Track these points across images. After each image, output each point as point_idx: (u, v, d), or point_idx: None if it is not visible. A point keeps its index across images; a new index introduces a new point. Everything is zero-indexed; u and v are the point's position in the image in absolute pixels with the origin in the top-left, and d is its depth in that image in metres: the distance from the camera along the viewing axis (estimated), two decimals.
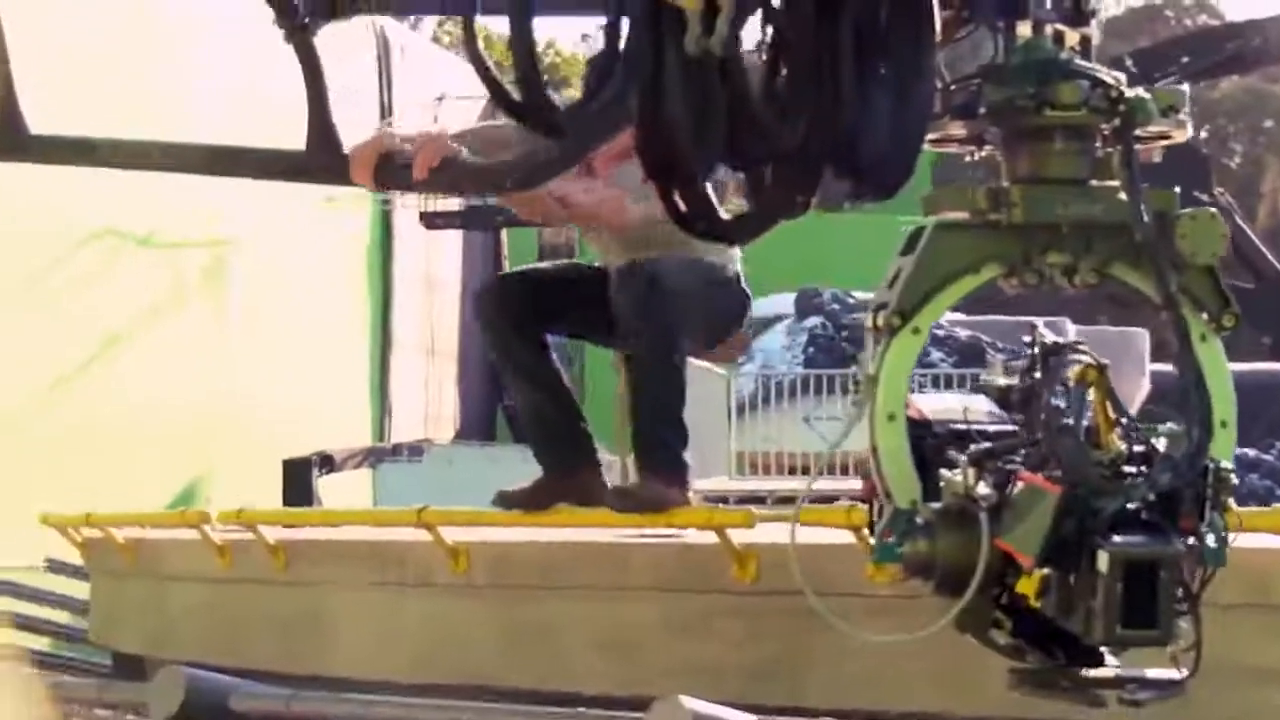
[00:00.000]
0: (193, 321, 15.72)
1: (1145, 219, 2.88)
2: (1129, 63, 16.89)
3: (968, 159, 3.10)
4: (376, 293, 20.18)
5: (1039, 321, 3.03)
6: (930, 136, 2.99)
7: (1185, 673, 2.87)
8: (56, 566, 9.00)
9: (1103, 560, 2.75)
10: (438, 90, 21.09)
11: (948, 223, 2.92)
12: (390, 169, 3.92)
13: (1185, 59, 19.14)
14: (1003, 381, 3.04)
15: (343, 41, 19.05)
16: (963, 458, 2.86)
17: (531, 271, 5.57)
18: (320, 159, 3.77)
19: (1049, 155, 2.92)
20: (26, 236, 12.85)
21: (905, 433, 2.91)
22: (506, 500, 5.03)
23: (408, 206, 20.03)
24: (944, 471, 2.87)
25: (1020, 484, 2.80)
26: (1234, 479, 2.87)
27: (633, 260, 5.04)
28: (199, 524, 5.92)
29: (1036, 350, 2.97)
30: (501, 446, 17.60)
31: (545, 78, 3.14)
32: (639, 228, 5.03)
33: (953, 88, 3.00)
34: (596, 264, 5.31)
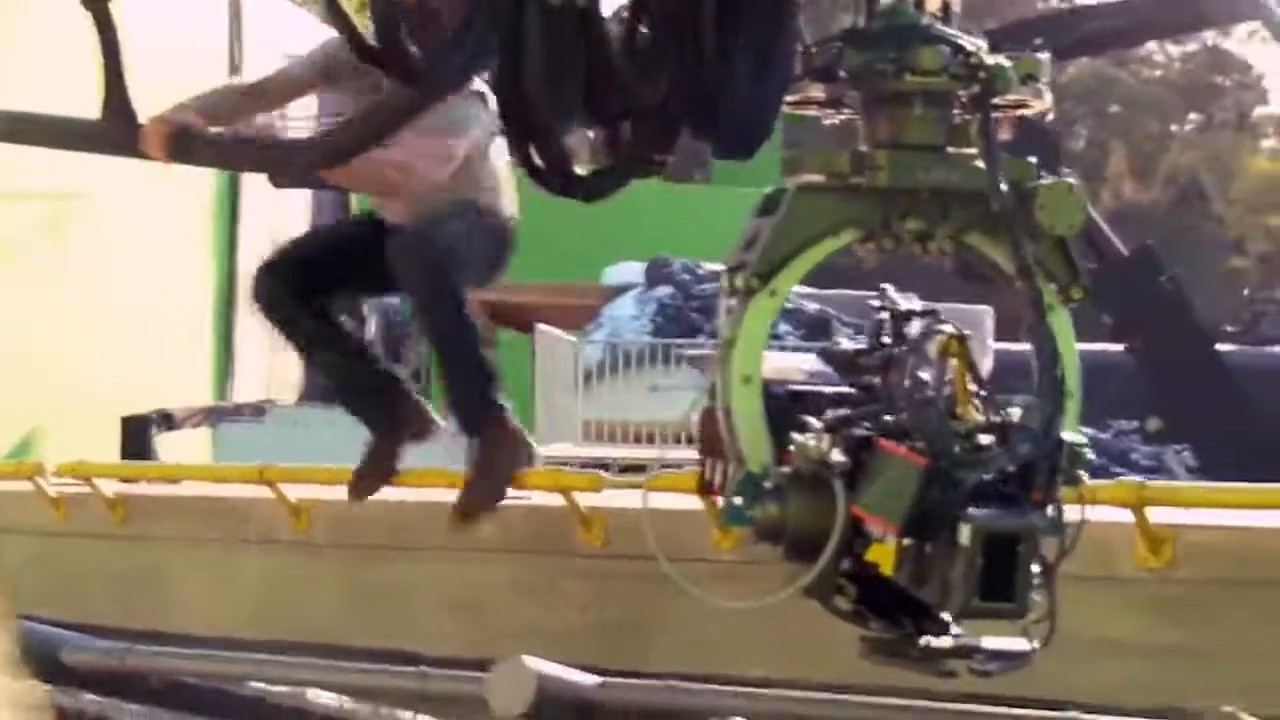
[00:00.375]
0: (32, 275, 15.44)
1: (1003, 187, 2.89)
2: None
3: (824, 123, 3.10)
4: (222, 251, 19.93)
5: (889, 286, 3.03)
6: (789, 98, 2.98)
7: (1036, 644, 2.89)
8: None
9: (964, 533, 2.76)
10: (290, 47, 20.89)
11: (809, 185, 2.91)
12: (185, 143, 3.86)
13: (1036, 40, 19.32)
14: (848, 346, 3.04)
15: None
16: (816, 423, 2.86)
17: (300, 244, 5.46)
18: (114, 130, 3.68)
19: (909, 120, 2.92)
20: None
21: (760, 396, 2.90)
22: (359, 488, 4.90)
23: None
24: (795, 436, 2.86)
25: (879, 451, 2.80)
26: (1087, 452, 2.89)
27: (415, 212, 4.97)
28: (33, 475, 5.81)
29: (888, 315, 2.97)
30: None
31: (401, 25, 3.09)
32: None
33: (813, 50, 2.99)
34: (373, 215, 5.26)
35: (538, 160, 2.87)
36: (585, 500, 4.52)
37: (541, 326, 13.50)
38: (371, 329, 19.48)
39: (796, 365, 3.16)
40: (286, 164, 3.61)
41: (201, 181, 19.50)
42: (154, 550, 5.39)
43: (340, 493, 5.02)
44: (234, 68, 19.77)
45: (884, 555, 2.81)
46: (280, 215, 22.27)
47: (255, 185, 20.26)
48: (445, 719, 3.25)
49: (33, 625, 3.22)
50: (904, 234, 2.95)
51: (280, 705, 3.14)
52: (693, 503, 4.38)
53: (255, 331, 20.89)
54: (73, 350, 15.46)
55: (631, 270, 17.22)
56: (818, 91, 2.99)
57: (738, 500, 2.88)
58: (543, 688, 2.89)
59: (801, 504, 2.83)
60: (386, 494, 4.96)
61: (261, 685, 3.18)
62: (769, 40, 2.85)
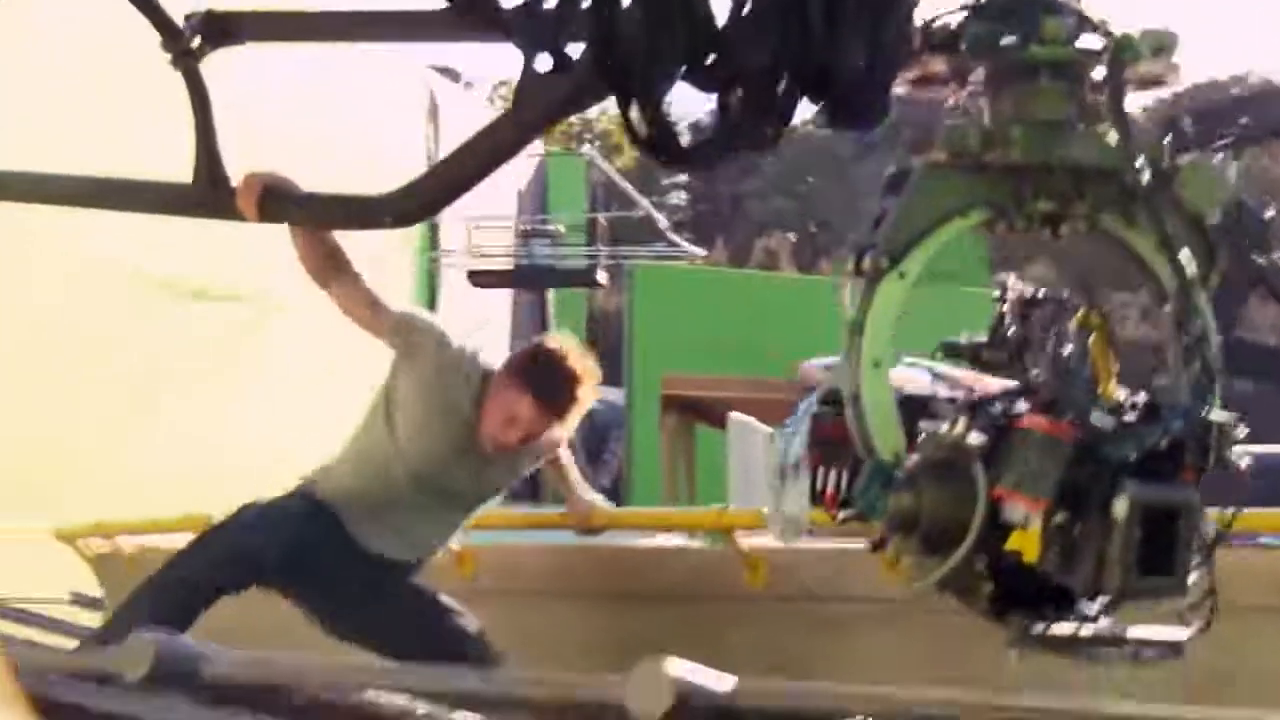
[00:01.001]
0: (234, 376, 15.74)
1: (1139, 163, 2.82)
2: (1186, 122, 16.74)
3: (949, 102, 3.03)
4: None
5: (1009, 275, 2.96)
6: (909, 75, 2.93)
7: (1192, 629, 2.78)
8: (83, 600, 8.93)
9: (1120, 507, 2.66)
10: None
11: (936, 163, 2.85)
12: (275, 202, 3.83)
13: (1243, 120, 19.02)
14: (968, 340, 2.97)
15: (393, 101, 19.11)
16: (951, 406, 2.79)
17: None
18: (207, 192, 3.69)
19: (1037, 94, 2.86)
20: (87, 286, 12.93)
21: (889, 382, 2.84)
22: None
23: (454, 265, 20.05)
24: (925, 424, 2.79)
25: (1019, 431, 2.72)
26: (1238, 430, 2.80)
27: None
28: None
29: (1012, 302, 2.91)
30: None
31: None
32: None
33: (933, 22, 2.94)
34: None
35: (641, 128, 2.83)
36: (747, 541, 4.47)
37: (734, 415, 13.46)
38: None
39: (911, 377, 3.09)
40: (379, 216, 3.55)
41: (400, 283, 19.82)
42: None
43: (501, 538, 5.03)
44: (430, 162, 20.13)
45: (1026, 542, 2.71)
46: (479, 316, 22.55)
47: (454, 285, 20.53)
48: None
49: (170, 638, 3.20)
50: (1036, 214, 2.88)
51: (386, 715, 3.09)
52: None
53: None
54: (269, 449, 15.70)
55: (827, 365, 17.20)
56: (938, 64, 2.94)
57: (871, 492, 2.81)
58: (680, 691, 2.81)
59: (936, 492, 2.74)
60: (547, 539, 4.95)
61: (404, 701, 3.14)
62: (882, 7, 2.79)
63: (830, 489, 2.95)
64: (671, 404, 16.09)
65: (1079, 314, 2.84)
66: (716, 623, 4.56)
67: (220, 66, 3.74)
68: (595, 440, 19.93)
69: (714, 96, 2.83)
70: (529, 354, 4.92)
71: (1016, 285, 2.96)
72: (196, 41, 3.62)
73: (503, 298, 22.30)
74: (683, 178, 44.69)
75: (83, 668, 3.63)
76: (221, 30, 3.62)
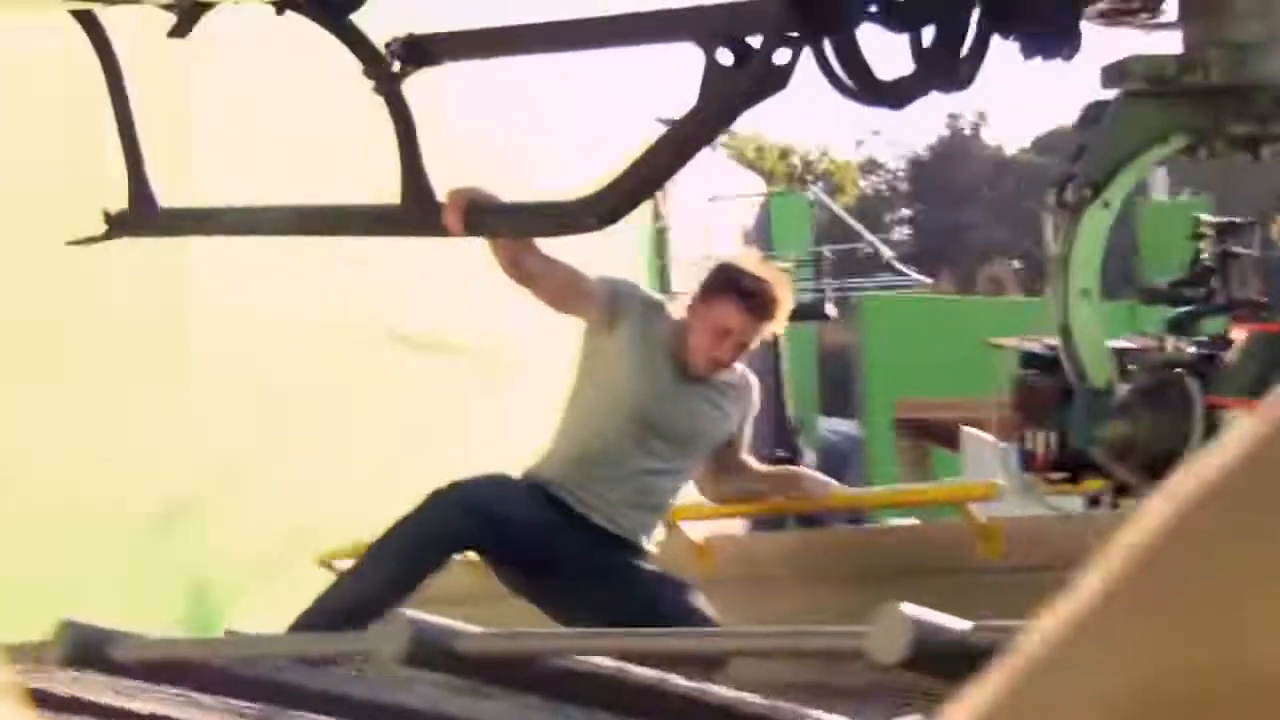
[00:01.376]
0: (471, 422, 15.96)
1: None
2: None
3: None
4: None
5: (1203, 214, 2.94)
6: (1101, 6, 2.92)
7: None
8: None
9: None
10: (712, 192, 21.31)
11: (1134, 92, 2.83)
12: (481, 216, 3.88)
13: None
14: (1164, 283, 2.95)
15: (615, 147, 19.37)
16: (1165, 320, 2.78)
17: None
18: (414, 211, 3.75)
19: (1234, 14, 2.82)
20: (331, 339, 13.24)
21: (1099, 311, 2.83)
22: None
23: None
24: (1133, 344, 2.77)
25: (1232, 340, 2.70)
26: None
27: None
28: None
29: (1208, 235, 2.90)
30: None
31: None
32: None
33: None
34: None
35: (837, 67, 2.85)
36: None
37: (967, 429, 13.39)
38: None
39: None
40: (581, 219, 3.59)
41: None
42: None
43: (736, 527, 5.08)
44: (657, 213, 20.32)
45: None
46: None
47: None
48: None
49: (423, 619, 3.28)
50: (1236, 137, 2.85)
51: (639, 685, 3.13)
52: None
53: None
54: None
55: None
56: None
57: (1084, 423, 2.78)
58: (920, 634, 2.85)
59: (1152, 416, 2.72)
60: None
61: (655, 672, 3.19)
62: None
63: (1041, 450, 2.94)
64: (906, 429, 16.04)
65: (1279, 222, 2.81)
66: (958, 596, 4.54)
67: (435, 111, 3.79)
68: (833, 472, 19.87)
69: (905, 37, 2.85)
70: (716, 271, 5.06)
71: (1209, 218, 2.95)
72: (397, 65, 3.68)
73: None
74: (906, 212, 44.46)
75: (339, 651, 3.74)
76: (422, 52, 3.68)
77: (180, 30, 4.17)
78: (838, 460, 20.37)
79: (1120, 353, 2.81)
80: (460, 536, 4.78)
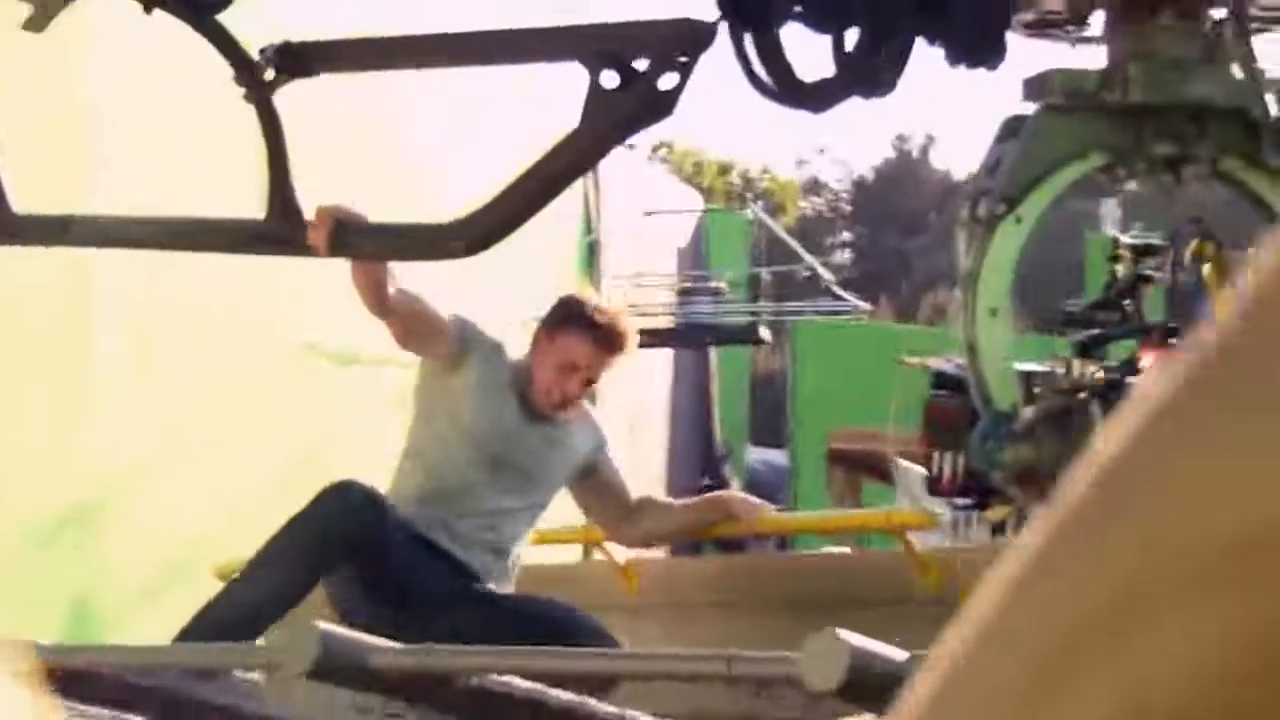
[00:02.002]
0: (381, 438, 15.91)
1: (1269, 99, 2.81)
2: None
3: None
4: None
5: (1121, 236, 3.00)
6: (1027, 16, 2.95)
7: None
8: None
9: None
10: (646, 204, 21.35)
11: (1054, 106, 2.85)
12: (348, 235, 3.86)
13: None
14: (1078, 305, 2.99)
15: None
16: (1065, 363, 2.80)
17: None
18: (281, 227, 3.72)
19: (1159, 32, 2.85)
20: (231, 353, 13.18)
21: (1008, 329, 2.84)
22: None
23: None
24: (1039, 368, 2.79)
25: (1141, 365, 2.73)
26: None
27: None
28: None
29: (1125, 257, 2.94)
30: None
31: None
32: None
33: None
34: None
35: (759, 68, 2.86)
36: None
37: (901, 461, 13.46)
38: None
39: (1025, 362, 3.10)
40: (448, 244, 3.58)
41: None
42: None
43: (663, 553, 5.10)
44: (589, 226, 20.33)
45: None
46: (639, 376, 22.63)
47: None
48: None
49: (333, 630, 3.28)
50: (1156, 157, 2.88)
51: (558, 708, 3.14)
52: None
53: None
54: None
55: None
56: (1057, 4, 2.95)
57: (988, 443, 2.80)
58: (855, 661, 2.88)
59: (1056, 440, 2.74)
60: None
61: (536, 686, 3.20)
62: None
63: (948, 473, 2.97)
64: (838, 460, 16.10)
65: (1192, 246, 2.85)
66: (892, 628, 4.57)
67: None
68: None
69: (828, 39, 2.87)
70: (559, 306, 5.17)
71: (1126, 239, 3.00)
72: (270, 74, 3.65)
73: (663, 357, 22.34)
74: (847, 235, 44.66)
75: (243, 662, 3.72)
76: (296, 61, 3.65)
77: (35, 24, 4.12)
78: (766, 491, 20.37)
79: (1028, 375, 2.84)
80: (351, 535, 4.79)
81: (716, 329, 20.53)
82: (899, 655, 3.01)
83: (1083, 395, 2.75)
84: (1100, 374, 2.75)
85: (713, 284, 21.30)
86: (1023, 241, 2.90)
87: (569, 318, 5.06)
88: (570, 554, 5.79)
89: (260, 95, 3.71)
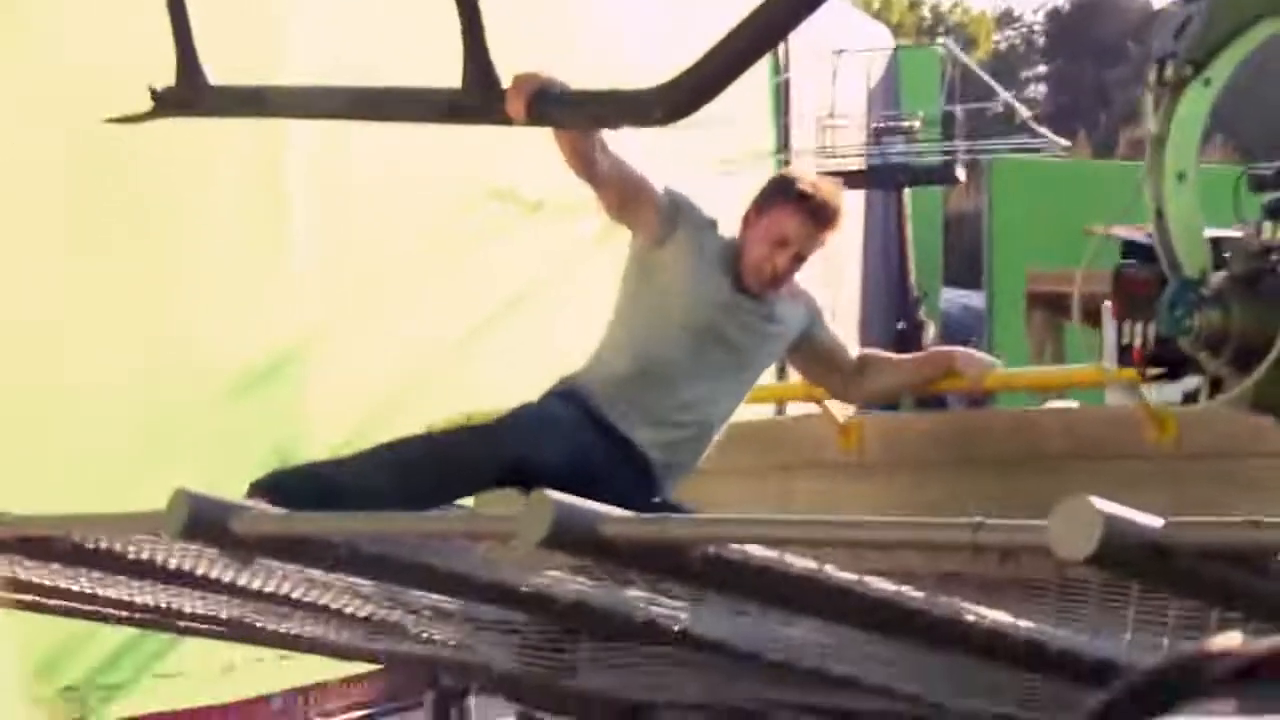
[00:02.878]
0: (582, 286, 15.95)
1: None
2: None
3: None
4: None
5: None
6: None
7: None
8: None
9: None
10: (837, 44, 21.08)
11: None
12: (546, 105, 3.76)
13: None
14: (1263, 171, 2.88)
15: None
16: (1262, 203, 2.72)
17: None
18: (477, 97, 3.64)
19: None
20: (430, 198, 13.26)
21: (1197, 195, 2.76)
22: None
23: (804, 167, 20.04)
24: (1230, 234, 2.70)
25: None
26: None
27: None
28: None
29: None
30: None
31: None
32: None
33: None
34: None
35: None
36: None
37: (1108, 305, 13.27)
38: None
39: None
40: (649, 111, 3.48)
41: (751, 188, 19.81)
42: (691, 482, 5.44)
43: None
44: (778, 67, 20.12)
45: None
46: None
47: None
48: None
49: (565, 500, 3.25)
50: None
51: (793, 574, 3.09)
52: None
53: None
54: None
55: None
56: None
57: (1176, 310, 2.72)
58: (1109, 529, 2.79)
59: (1246, 306, 2.67)
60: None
61: (775, 553, 3.15)
62: None
63: (1138, 343, 2.89)
64: (1037, 302, 15.89)
65: None
66: (1126, 483, 4.48)
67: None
68: (954, 345, 19.83)
69: None
70: (771, 183, 5.09)
71: None
72: None
73: (855, 199, 22.13)
74: (1043, 69, 43.89)
75: (471, 530, 3.72)
76: None
77: None
78: (962, 333, 20.27)
79: (1217, 241, 2.74)
80: (491, 482, 4.71)
81: (910, 169, 20.29)
82: (1153, 521, 2.91)
83: (1274, 258, 2.65)
84: None
85: (905, 123, 21.03)
86: (1210, 104, 2.82)
87: (780, 192, 4.99)
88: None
89: None
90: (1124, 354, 2.98)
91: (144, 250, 10.38)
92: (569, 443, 4.75)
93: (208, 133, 9.95)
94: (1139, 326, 2.88)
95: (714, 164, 17.58)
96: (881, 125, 20.80)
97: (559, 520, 3.10)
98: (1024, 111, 22.40)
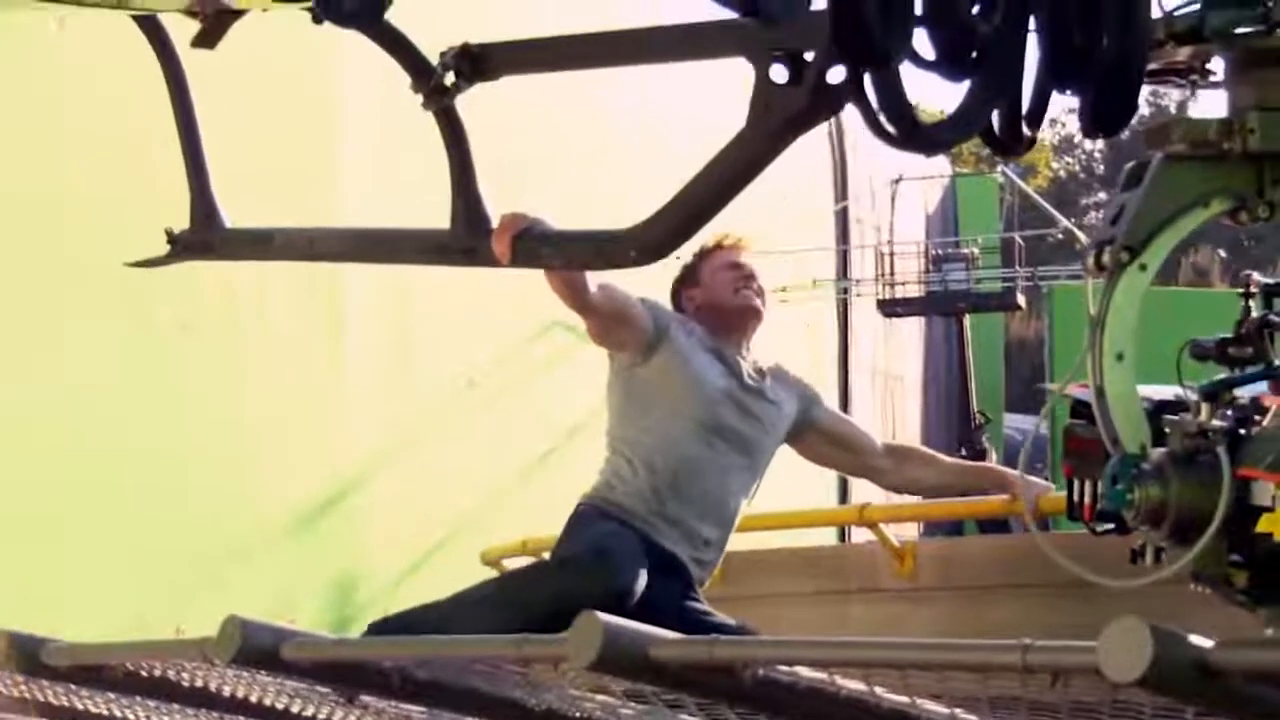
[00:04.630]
0: None
1: None
2: None
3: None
4: (833, 388, 20.22)
5: (1252, 273, 3.02)
6: (1150, 66, 2.96)
7: None
8: None
9: None
10: (894, 172, 21.20)
11: (1175, 155, 2.91)
12: (531, 243, 3.74)
13: None
14: (1212, 340, 3.00)
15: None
16: (1192, 394, 2.83)
17: None
18: (465, 238, 3.65)
19: (1277, 82, 2.89)
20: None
21: (1134, 374, 2.89)
22: None
23: (864, 295, 20.10)
24: (1169, 417, 2.82)
25: (1267, 409, 2.75)
26: None
27: None
28: None
29: (1255, 295, 2.95)
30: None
31: None
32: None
33: (1174, 13, 2.98)
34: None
35: (875, 102, 2.78)
36: None
37: None
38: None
39: (1156, 390, 3.10)
40: (625, 251, 3.46)
41: (811, 316, 19.90)
42: (749, 608, 5.44)
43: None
44: (838, 193, 20.23)
45: (1277, 524, 2.72)
46: (890, 348, 22.46)
47: (864, 318, 20.50)
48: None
49: (615, 622, 3.25)
50: (1277, 202, 2.91)
51: (847, 698, 3.08)
52: None
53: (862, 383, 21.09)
54: None
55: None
56: (1181, 55, 2.96)
57: (1117, 484, 2.84)
58: (1159, 649, 2.77)
59: (1184, 482, 2.80)
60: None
61: (825, 676, 3.15)
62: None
63: (1088, 501, 3.03)
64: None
65: None
66: (1181, 610, 4.46)
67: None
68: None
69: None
70: (685, 267, 5.22)
71: (1259, 278, 3.00)
72: (450, 79, 3.59)
73: (915, 326, 22.17)
74: (1103, 195, 44.00)
75: (524, 655, 3.72)
76: (476, 65, 3.58)
77: (206, 40, 4.12)
78: (1018, 457, 20.20)
79: (1157, 411, 2.89)
80: (580, 607, 4.65)
81: (970, 295, 20.28)
82: (1204, 642, 2.90)
83: (1210, 438, 2.81)
84: (1225, 424, 2.81)
85: (965, 250, 21.08)
86: (1146, 288, 2.99)
87: (696, 257, 5.13)
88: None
89: (441, 101, 3.65)
90: (1073, 511, 3.13)
91: (218, 384, 10.50)
92: (643, 575, 4.73)
93: (273, 276, 10.11)
94: (1087, 484, 3.05)
95: (772, 293, 17.64)
96: (941, 253, 20.84)
97: (609, 642, 3.10)
98: (1084, 238, 22.41)
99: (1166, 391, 3.16)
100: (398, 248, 4.04)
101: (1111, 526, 3.17)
